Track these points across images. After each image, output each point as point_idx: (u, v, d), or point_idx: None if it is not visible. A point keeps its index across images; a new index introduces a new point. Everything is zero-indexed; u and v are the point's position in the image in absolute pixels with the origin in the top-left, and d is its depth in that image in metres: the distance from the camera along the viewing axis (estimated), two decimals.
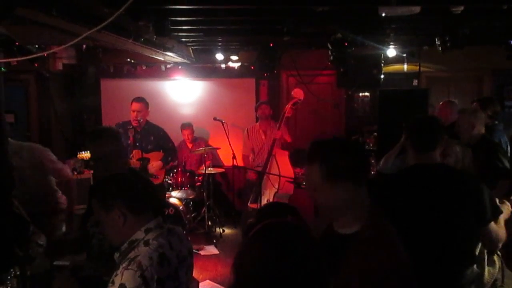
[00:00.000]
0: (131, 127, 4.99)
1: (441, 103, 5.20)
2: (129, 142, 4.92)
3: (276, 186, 5.14)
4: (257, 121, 6.01)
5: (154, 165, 5.04)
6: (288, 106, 5.47)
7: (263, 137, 5.77)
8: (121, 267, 1.77)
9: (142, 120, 4.97)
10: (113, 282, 1.74)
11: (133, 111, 4.97)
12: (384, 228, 1.60)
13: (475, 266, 2.37)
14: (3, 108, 2.77)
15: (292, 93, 5.59)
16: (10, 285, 1.98)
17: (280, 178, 5.12)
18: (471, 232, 2.32)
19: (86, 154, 5.76)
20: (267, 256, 1.11)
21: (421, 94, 5.13)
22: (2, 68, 2.85)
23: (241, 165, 5.95)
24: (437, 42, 5.07)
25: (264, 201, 5.16)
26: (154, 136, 5.10)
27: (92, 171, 6.41)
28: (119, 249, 1.90)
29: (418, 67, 6.70)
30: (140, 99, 5.04)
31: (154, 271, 1.75)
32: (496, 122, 4.43)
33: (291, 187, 5.28)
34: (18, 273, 1.99)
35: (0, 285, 1.99)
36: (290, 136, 5.76)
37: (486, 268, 2.54)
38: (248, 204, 5.41)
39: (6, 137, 2.85)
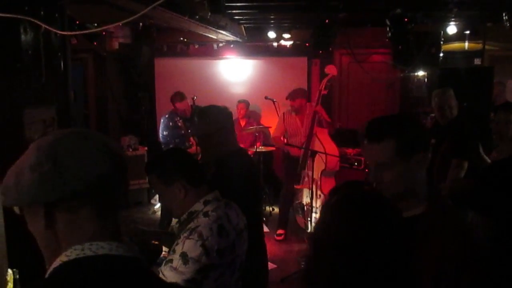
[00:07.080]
0: (178, 117, 5.40)
1: None
2: (182, 132, 5.24)
3: (324, 163, 5.06)
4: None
5: None
6: (323, 83, 5.28)
7: (299, 124, 5.47)
8: (182, 236, 1.79)
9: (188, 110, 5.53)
10: (174, 251, 1.77)
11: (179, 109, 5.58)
12: (452, 211, 1.54)
13: None
14: (70, 85, 2.87)
15: (326, 69, 5.40)
16: None
17: (326, 156, 5.03)
18: None
19: None
20: (355, 223, 1.03)
21: (486, 72, 4.87)
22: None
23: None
24: (504, 17, 4.75)
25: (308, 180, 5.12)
26: None
27: (146, 148, 6.61)
28: (178, 220, 1.93)
29: (480, 45, 6.31)
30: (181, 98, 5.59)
31: (214, 241, 1.77)
32: None
33: (338, 164, 5.29)
34: None
35: None
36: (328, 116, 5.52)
37: None
38: (295, 186, 5.32)
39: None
